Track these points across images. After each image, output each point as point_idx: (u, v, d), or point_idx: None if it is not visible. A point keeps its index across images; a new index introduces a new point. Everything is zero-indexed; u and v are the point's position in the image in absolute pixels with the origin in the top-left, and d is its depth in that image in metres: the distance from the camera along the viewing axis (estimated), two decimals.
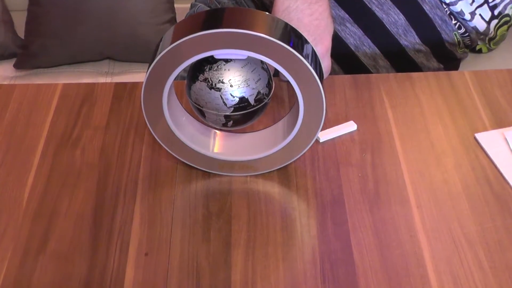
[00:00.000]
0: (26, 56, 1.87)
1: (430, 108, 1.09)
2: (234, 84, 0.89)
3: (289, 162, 0.98)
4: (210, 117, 0.93)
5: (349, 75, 1.18)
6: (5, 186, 0.97)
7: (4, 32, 1.87)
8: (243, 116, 0.92)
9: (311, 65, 0.87)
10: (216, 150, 0.98)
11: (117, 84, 1.14)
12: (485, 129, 1.05)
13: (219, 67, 0.89)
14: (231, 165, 0.98)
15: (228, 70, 0.89)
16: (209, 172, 0.99)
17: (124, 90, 1.13)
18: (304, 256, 0.88)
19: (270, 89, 0.93)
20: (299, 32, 0.90)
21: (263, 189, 0.97)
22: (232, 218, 0.93)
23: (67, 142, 1.03)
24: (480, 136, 1.03)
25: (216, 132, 1.01)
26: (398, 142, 1.03)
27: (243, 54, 0.88)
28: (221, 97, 0.90)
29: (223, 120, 0.92)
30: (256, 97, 0.91)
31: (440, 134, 1.05)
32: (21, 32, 1.91)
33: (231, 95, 0.90)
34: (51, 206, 0.94)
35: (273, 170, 0.98)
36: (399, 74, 1.18)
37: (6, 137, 1.05)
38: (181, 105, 0.99)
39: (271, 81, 0.94)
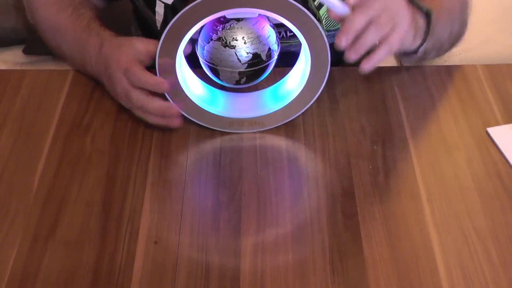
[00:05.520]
0: (36, 42, 1.86)
1: (442, 102, 1.09)
2: (248, 41, 0.95)
3: (297, 115, 1.02)
4: (224, 74, 0.98)
5: None
6: (15, 172, 0.97)
7: (16, 17, 1.86)
8: (255, 72, 0.98)
9: (316, 18, 0.92)
10: (224, 109, 1.02)
11: None
12: (497, 123, 1.04)
13: (231, 26, 0.95)
14: (240, 122, 1.02)
15: (241, 28, 0.95)
16: (219, 161, 0.98)
17: None
18: (314, 247, 0.88)
19: (278, 45, 0.99)
20: None
21: (273, 179, 0.97)
22: (242, 208, 0.92)
23: (77, 128, 1.03)
24: (492, 131, 1.03)
25: (225, 92, 1.05)
26: (409, 135, 1.03)
27: (253, 12, 0.93)
28: (236, 54, 0.95)
29: (237, 77, 0.98)
30: (267, 53, 0.97)
31: (451, 127, 1.04)
32: None
33: (245, 51, 0.95)
34: (61, 193, 0.94)
35: (284, 160, 0.99)
36: (411, 66, 1.17)
37: (17, 122, 1.05)
38: (192, 69, 1.03)
39: (278, 38, 1.00)
